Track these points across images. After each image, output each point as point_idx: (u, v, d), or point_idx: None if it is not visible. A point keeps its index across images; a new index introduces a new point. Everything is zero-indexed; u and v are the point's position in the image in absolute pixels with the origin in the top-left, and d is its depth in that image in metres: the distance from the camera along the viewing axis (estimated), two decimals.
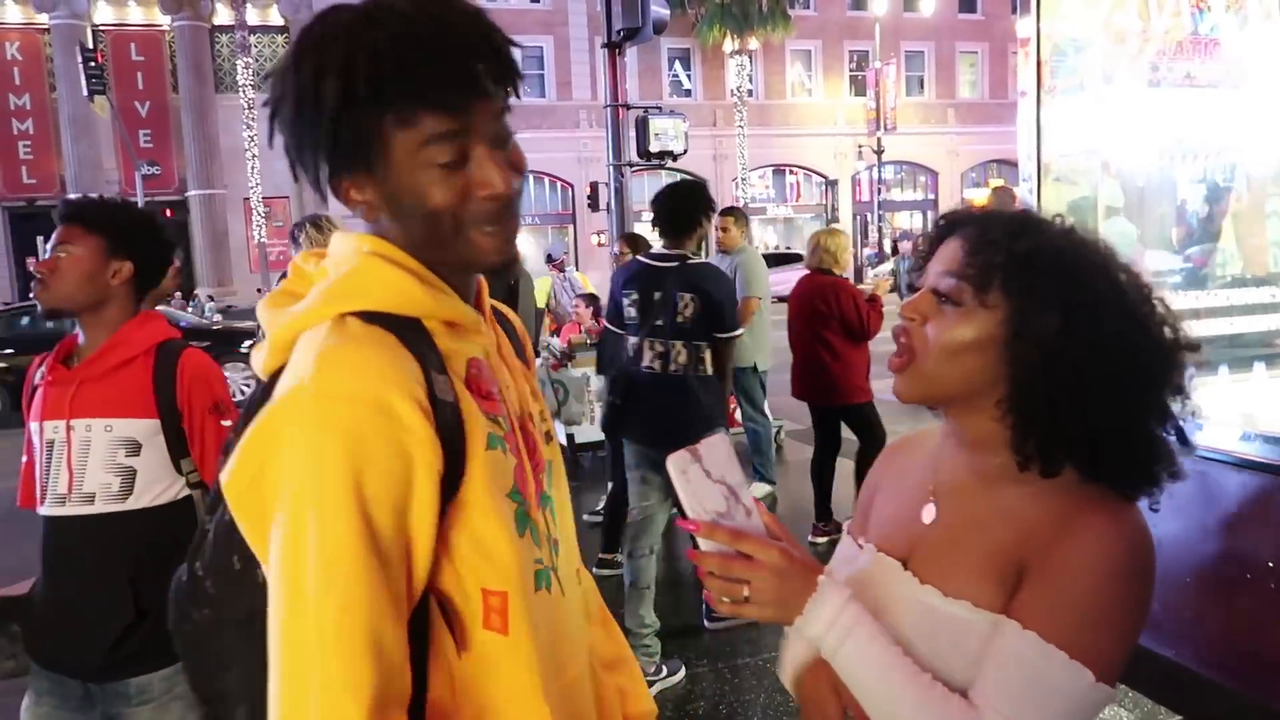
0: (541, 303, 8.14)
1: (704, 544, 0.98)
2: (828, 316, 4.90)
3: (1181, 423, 1.01)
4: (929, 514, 1.10)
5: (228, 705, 0.93)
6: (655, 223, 3.76)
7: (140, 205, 2.15)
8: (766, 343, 5.94)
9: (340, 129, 0.85)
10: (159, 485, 1.92)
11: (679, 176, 6.28)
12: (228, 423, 1.92)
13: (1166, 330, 1.01)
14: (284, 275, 1.13)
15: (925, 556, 1.07)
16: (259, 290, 20.29)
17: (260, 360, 0.94)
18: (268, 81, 0.92)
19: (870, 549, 1.15)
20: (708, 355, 3.64)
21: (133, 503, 1.90)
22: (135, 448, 1.90)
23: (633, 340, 3.70)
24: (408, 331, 0.87)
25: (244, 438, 0.84)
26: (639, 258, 3.92)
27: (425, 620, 0.87)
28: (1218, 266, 2.42)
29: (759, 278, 5.76)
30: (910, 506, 1.13)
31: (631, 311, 3.71)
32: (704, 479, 0.97)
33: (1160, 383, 1.00)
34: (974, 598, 0.99)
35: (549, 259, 8.76)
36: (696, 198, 3.74)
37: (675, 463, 0.98)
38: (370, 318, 0.87)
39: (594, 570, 4.62)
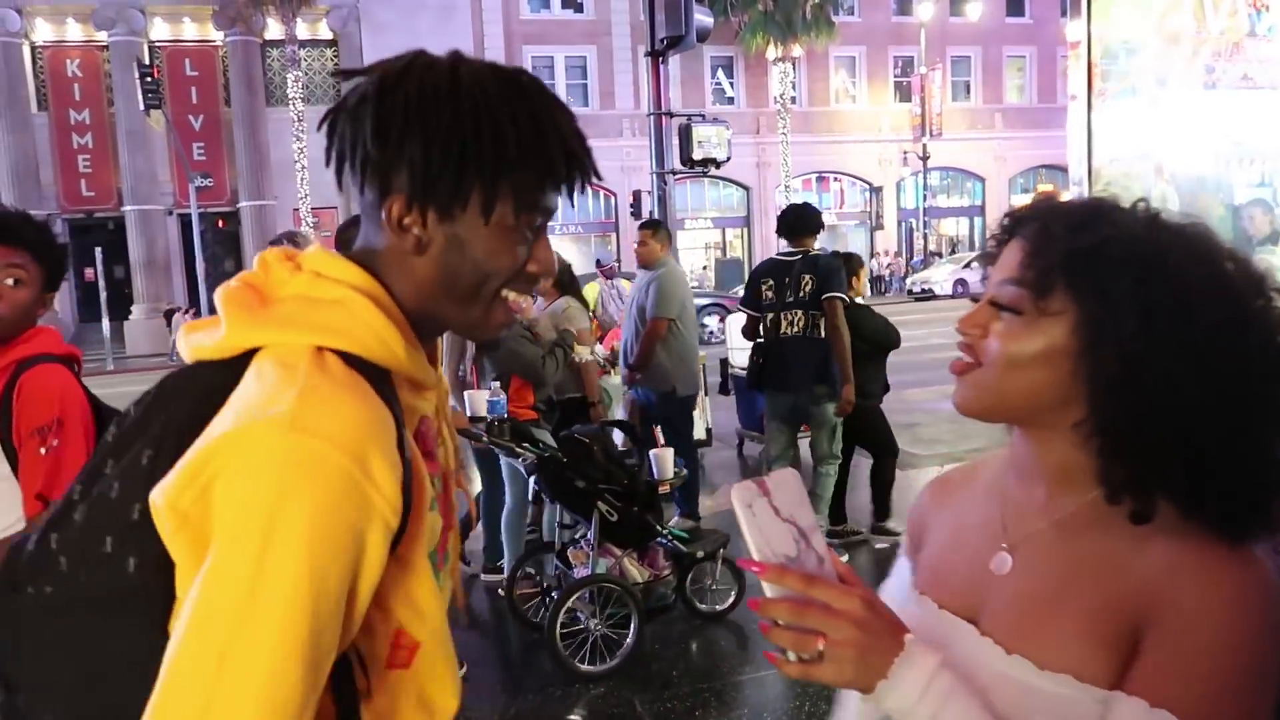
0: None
1: (770, 590, 0.84)
2: None
3: None
4: (1003, 565, 0.94)
5: (34, 698, 0.86)
6: (780, 231, 5.27)
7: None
8: (688, 365, 5.54)
9: (464, 174, 0.86)
10: (6, 515, 1.74)
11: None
12: (45, 450, 1.71)
13: None
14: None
15: (1004, 618, 0.91)
16: None
17: (196, 343, 0.88)
18: (371, 84, 0.88)
19: (930, 605, 0.98)
20: (822, 321, 4.84)
21: None
22: None
23: (770, 316, 5.03)
24: (380, 383, 0.86)
25: (195, 450, 0.77)
26: (773, 256, 5.30)
27: (348, 666, 0.87)
28: (1277, 273, 2.36)
29: (673, 298, 5.37)
30: (974, 555, 0.97)
31: (769, 295, 5.04)
32: (772, 516, 0.85)
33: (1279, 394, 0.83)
34: (1077, 670, 0.83)
35: (598, 264, 8.78)
36: (809, 211, 5.23)
37: (740, 495, 0.85)
38: (348, 359, 0.85)
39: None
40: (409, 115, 0.85)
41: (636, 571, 4.05)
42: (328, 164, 0.93)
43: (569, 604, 3.77)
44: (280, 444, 0.76)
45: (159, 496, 0.78)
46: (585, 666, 3.78)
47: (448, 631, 0.94)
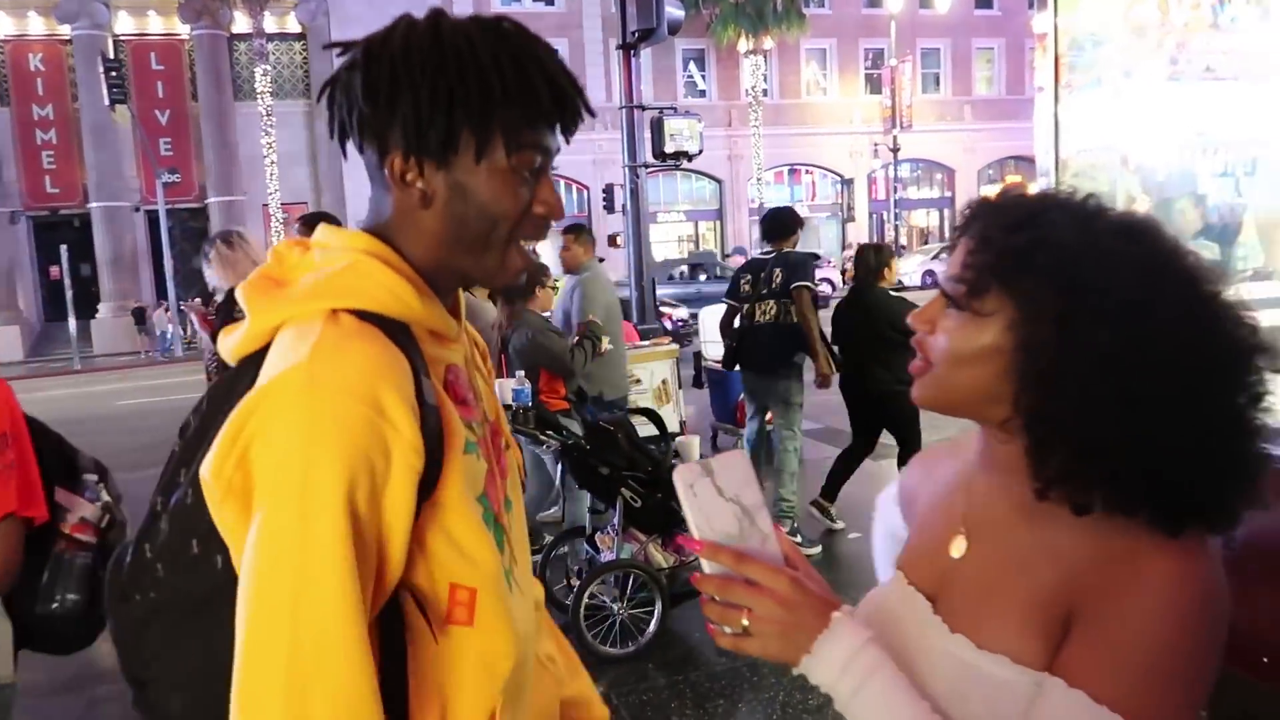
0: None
1: (707, 566, 0.88)
2: None
3: (1261, 443, 0.83)
4: (958, 548, 0.97)
5: (161, 691, 0.93)
6: (763, 234, 5.75)
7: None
8: (614, 369, 5.45)
9: (453, 118, 0.89)
10: None
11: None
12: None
13: (1234, 330, 0.84)
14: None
15: (954, 598, 0.94)
16: None
17: (232, 343, 0.95)
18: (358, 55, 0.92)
19: (900, 577, 1.02)
20: (792, 309, 5.28)
21: None
22: None
23: (746, 305, 5.54)
24: (397, 334, 0.90)
25: (228, 422, 0.83)
26: (755, 255, 5.86)
27: (398, 613, 0.89)
28: (1239, 260, 2.39)
29: (596, 302, 5.27)
30: (939, 535, 1.00)
31: (746, 288, 5.61)
32: (714, 496, 0.88)
33: (1217, 396, 0.83)
34: (1013, 651, 0.85)
35: None
36: (788, 215, 5.69)
37: (683, 476, 0.88)
38: (363, 317, 0.89)
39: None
40: (396, 71, 0.89)
41: (661, 557, 4.15)
42: (331, 136, 0.96)
43: (593, 587, 3.90)
44: (302, 398, 0.81)
45: (205, 470, 0.83)
46: (609, 649, 3.88)
47: (504, 581, 0.94)
